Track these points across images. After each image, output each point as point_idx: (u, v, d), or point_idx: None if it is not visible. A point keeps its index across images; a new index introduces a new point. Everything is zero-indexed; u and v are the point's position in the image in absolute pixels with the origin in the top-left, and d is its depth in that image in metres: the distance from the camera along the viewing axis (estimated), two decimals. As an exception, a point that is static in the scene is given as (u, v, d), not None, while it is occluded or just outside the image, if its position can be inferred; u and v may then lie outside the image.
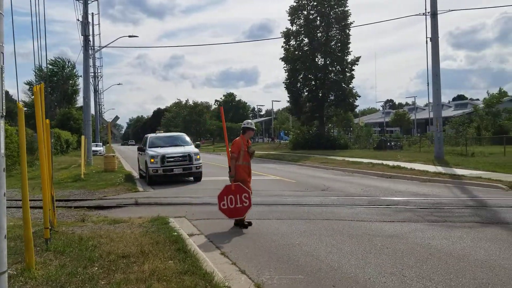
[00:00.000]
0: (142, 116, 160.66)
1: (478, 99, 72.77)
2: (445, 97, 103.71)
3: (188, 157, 16.82)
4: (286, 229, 7.98)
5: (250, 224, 8.25)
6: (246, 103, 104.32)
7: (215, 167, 24.77)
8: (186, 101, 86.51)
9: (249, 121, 8.99)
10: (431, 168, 19.15)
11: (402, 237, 7.16)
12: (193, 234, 7.61)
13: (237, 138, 8.69)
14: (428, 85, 24.47)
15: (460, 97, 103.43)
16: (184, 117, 79.16)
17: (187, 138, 19.51)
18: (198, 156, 17.14)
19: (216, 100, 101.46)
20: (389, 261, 5.79)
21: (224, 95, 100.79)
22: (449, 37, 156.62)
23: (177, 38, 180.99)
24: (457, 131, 38.68)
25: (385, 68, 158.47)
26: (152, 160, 16.59)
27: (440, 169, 18.63)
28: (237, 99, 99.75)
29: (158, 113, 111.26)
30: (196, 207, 10.79)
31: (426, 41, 24.09)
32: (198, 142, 28.80)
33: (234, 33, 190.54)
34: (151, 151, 17.11)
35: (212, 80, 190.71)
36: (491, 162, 21.02)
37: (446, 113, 66.86)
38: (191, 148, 17.72)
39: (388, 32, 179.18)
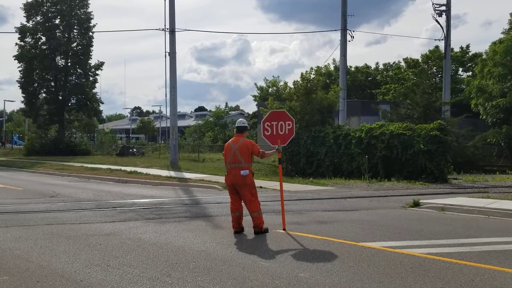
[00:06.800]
0: None
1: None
2: (190, 107, 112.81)
3: None
4: (0, 236, 7.72)
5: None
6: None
7: None
8: None
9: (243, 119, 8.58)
10: (164, 172, 20.83)
11: (118, 234, 7.91)
12: None
13: (247, 139, 8.07)
14: (166, 96, 26.55)
15: (201, 108, 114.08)
16: None
17: None
18: None
19: None
20: (98, 255, 6.42)
21: None
22: (194, 52, 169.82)
23: None
24: (194, 139, 42.70)
25: (135, 75, 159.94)
26: None
27: (172, 173, 20.47)
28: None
29: None
30: None
31: (165, 55, 26.08)
32: None
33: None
34: None
35: None
36: (216, 166, 24.24)
37: (188, 122, 72.67)
38: None
39: (139, 39, 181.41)
